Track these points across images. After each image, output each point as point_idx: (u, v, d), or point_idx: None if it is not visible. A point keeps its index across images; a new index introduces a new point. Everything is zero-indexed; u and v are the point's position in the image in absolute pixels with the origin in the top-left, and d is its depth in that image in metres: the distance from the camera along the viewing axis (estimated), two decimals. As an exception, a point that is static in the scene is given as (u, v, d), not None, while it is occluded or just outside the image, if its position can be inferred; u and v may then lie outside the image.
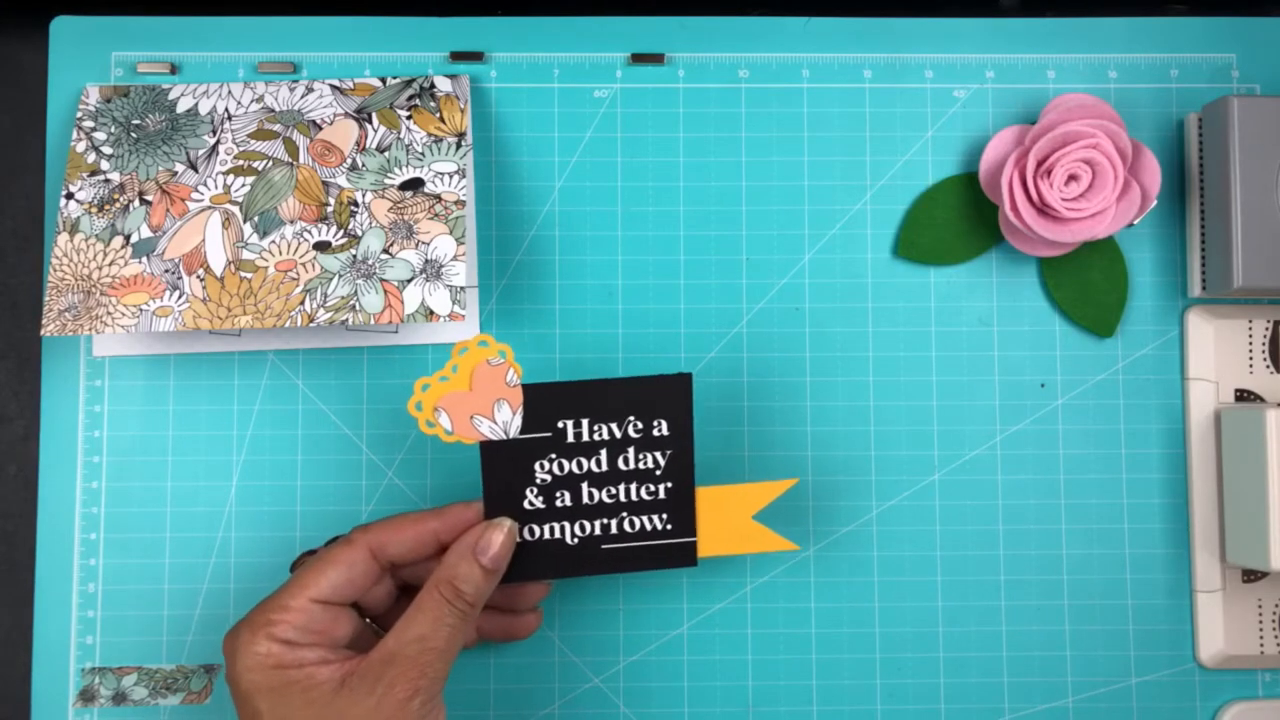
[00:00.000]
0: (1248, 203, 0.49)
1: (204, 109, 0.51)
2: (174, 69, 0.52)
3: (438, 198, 0.49)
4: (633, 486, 0.46)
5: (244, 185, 0.50)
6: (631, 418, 0.46)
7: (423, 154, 0.50)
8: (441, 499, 0.51)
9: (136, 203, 0.49)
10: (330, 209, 0.49)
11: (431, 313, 0.47)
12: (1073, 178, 0.49)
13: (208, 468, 0.51)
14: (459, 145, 0.50)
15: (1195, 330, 0.52)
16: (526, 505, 0.46)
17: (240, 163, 0.50)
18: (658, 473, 0.46)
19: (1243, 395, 0.52)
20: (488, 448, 0.45)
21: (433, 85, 0.52)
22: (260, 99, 0.51)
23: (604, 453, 0.46)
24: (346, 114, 0.51)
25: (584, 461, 0.46)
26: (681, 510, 0.46)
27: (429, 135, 0.50)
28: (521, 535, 0.46)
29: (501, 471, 0.45)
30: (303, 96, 0.51)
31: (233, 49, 0.52)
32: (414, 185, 0.49)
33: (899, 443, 0.52)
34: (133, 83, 0.52)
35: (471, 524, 0.45)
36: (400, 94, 0.51)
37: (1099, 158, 0.49)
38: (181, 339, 0.51)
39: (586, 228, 0.52)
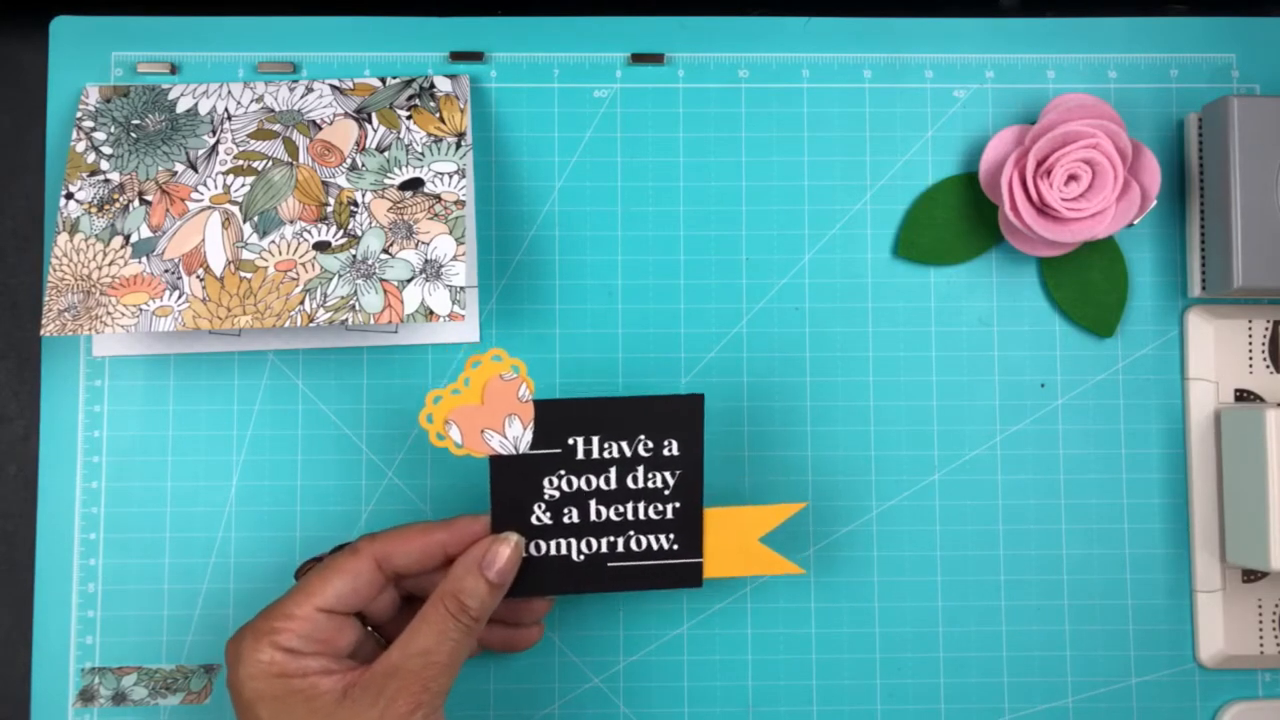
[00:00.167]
0: (1248, 203, 0.49)
1: (204, 109, 0.51)
2: (174, 69, 0.52)
3: (438, 198, 0.49)
4: (641, 505, 0.46)
5: (244, 185, 0.50)
6: (642, 436, 0.46)
7: (422, 154, 0.50)
8: (441, 499, 0.51)
9: (136, 203, 0.49)
10: (330, 209, 0.49)
11: (431, 313, 0.47)
12: (1073, 178, 0.49)
13: (208, 468, 0.51)
14: (459, 145, 0.50)
15: (1195, 330, 0.52)
16: (534, 520, 0.46)
17: (240, 163, 0.50)
18: (666, 492, 0.46)
19: (1243, 395, 0.52)
20: (497, 462, 0.45)
21: (432, 85, 0.52)
22: (260, 99, 0.51)
23: (613, 470, 0.46)
24: (346, 114, 0.51)
25: (593, 479, 0.46)
26: (689, 530, 0.46)
27: (429, 135, 0.50)
28: (528, 550, 0.46)
29: (510, 486, 0.45)
30: (303, 96, 0.51)
31: (233, 49, 0.52)
32: (414, 185, 0.49)
33: (899, 443, 0.52)
34: (133, 83, 0.52)
35: (479, 537, 0.45)
36: (400, 94, 0.51)
37: (1099, 158, 0.49)
38: (181, 339, 0.51)
39: (586, 228, 0.52)
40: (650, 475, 0.46)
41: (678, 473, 0.46)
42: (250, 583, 0.51)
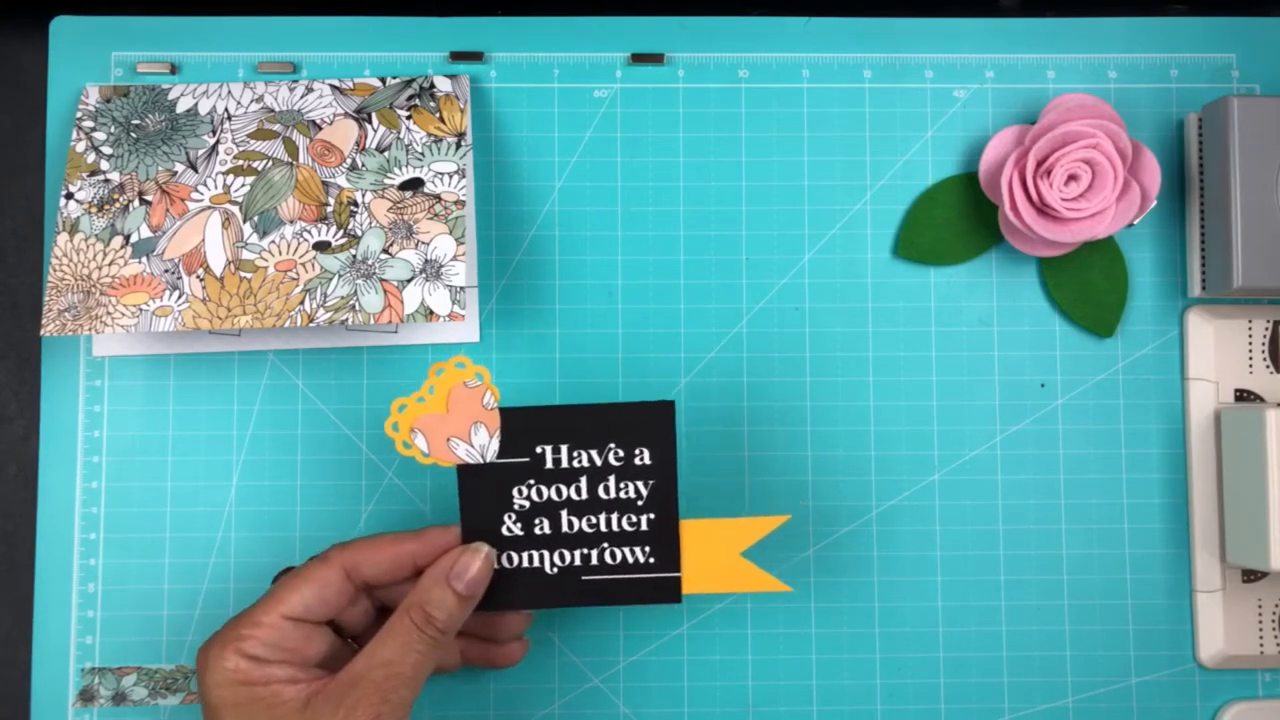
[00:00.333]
0: (1248, 203, 0.49)
1: (204, 109, 0.51)
2: (174, 69, 0.52)
3: (437, 198, 0.49)
4: (614, 516, 0.45)
5: (244, 185, 0.50)
6: (612, 445, 0.44)
7: (422, 154, 0.50)
8: (440, 500, 0.51)
9: (136, 203, 0.49)
10: (330, 209, 0.49)
11: (431, 313, 0.47)
12: (1073, 178, 0.49)
13: (208, 468, 0.51)
14: (459, 145, 0.50)
15: (1195, 330, 0.52)
16: (504, 531, 0.45)
17: (240, 163, 0.50)
18: (639, 503, 0.45)
19: (1243, 395, 0.52)
20: (465, 471, 0.44)
21: (432, 85, 0.52)
22: (260, 99, 0.51)
23: (584, 480, 0.45)
24: (346, 114, 0.51)
25: (563, 488, 0.45)
26: (664, 544, 0.45)
27: (429, 135, 0.50)
28: (500, 562, 0.45)
29: (479, 496, 0.45)
30: (303, 96, 0.51)
31: (233, 49, 0.52)
32: (414, 185, 0.49)
33: (899, 443, 0.52)
34: (133, 83, 0.52)
35: (449, 548, 0.44)
36: (400, 94, 0.51)
37: (1099, 158, 0.49)
38: (181, 339, 0.51)
39: (586, 228, 0.52)
40: (622, 485, 0.45)
41: (650, 483, 0.45)
42: (250, 583, 0.51)
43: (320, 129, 0.51)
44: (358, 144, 0.50)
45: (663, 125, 0.53)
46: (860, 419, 0.52)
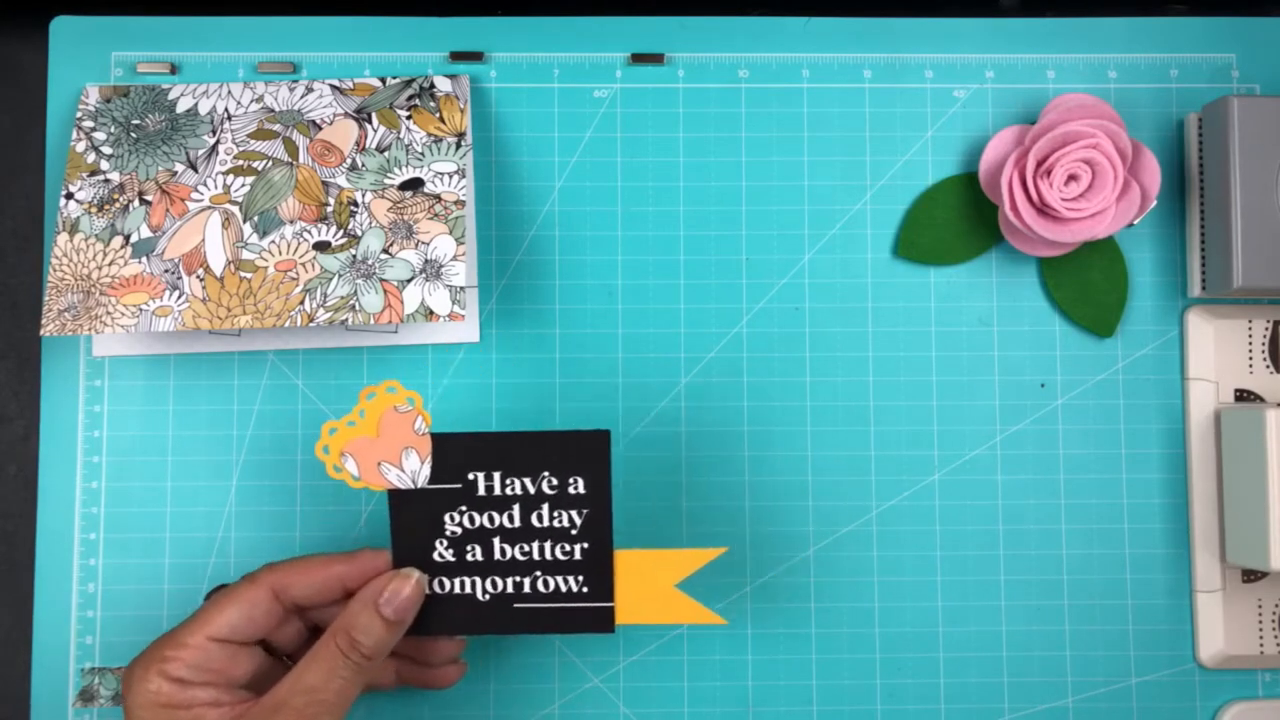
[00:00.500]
0: (1248, 203, 0.49)
1: (204, 109, 0.51)
2: (174, 69, 0.52)
3: (437, 198, 0.49)
4: (547, 545, 0.44)
5: (244, 185, 0.50)
6: (546, 473, 0.44)
7: (422, 154, 0.50)
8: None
9: (136, 203, 0.49)
10: (330, 209, 0.49)
11: (431, 313, 0.47)
12: (1073, 178, 0.49)
13: (208, 468, 0.51)
14: (459, 145, 0.50)
15: (1195, 330, 0.52)
16: (436, 557, 0.44)
17: (240, 163, 0.50)
18: (573, 532, 0.44)
19: (1243, 395, 0.52)
20: (396, 496, 0.44)
21: (432, 85, 0.52)
22: (260, 99, 0.51)
23: (517, 508, 0.44)
24: (346, 114, 0.51)
25: (495, 516, 0.44)
26: (598, 573, 0.44)
27: (429, 135, 0.50)
28: (431, 588, 0.44)
29: (410, 521, 0.44)
30: (303, 96, 0.51)
31: (233, 49, 0.52)
32: (414, 185, 0.49)
33: (899, 443, 0.52)
34: (133, 83, 0.52)
35: (380, 572, 0.44)
36: (400, 94, 0.51)
37: (1099, 158, 0.49)
38: (181, 339, 0.51)
39: (586, 228, 0.52)
40: (556, 514, 0.44)
41: (585, 512, 0.44)
42: (250, 583, 0.51)
43: (320, 129, 0.51)
44: (358, 144, 0.50)
45: (663, 125, 0.53)
46: (860, 419, 0.52)
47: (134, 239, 0.49)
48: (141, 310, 0.47)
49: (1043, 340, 0.53)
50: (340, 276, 0.48)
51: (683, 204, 0.53)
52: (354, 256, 0.48)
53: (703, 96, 0.53)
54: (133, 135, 0.50)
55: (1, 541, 0.51)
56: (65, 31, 0.52)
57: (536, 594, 0.45)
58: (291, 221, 0.49)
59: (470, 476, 0.44)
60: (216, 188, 0.50)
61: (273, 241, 0.49)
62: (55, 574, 0.51)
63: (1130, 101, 0.53)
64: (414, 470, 0.44)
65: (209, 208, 0.49)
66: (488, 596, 0.45)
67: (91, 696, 0.50)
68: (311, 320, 0.47)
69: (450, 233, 0.48)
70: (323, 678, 0.41)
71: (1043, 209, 0.50)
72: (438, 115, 0.51)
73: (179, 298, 0.47)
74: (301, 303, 0.47)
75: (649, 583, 0.45)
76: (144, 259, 0.48)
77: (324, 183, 0.50)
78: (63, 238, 0.49)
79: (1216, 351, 0.52)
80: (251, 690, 0.43)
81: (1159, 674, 0.52)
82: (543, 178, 0.52)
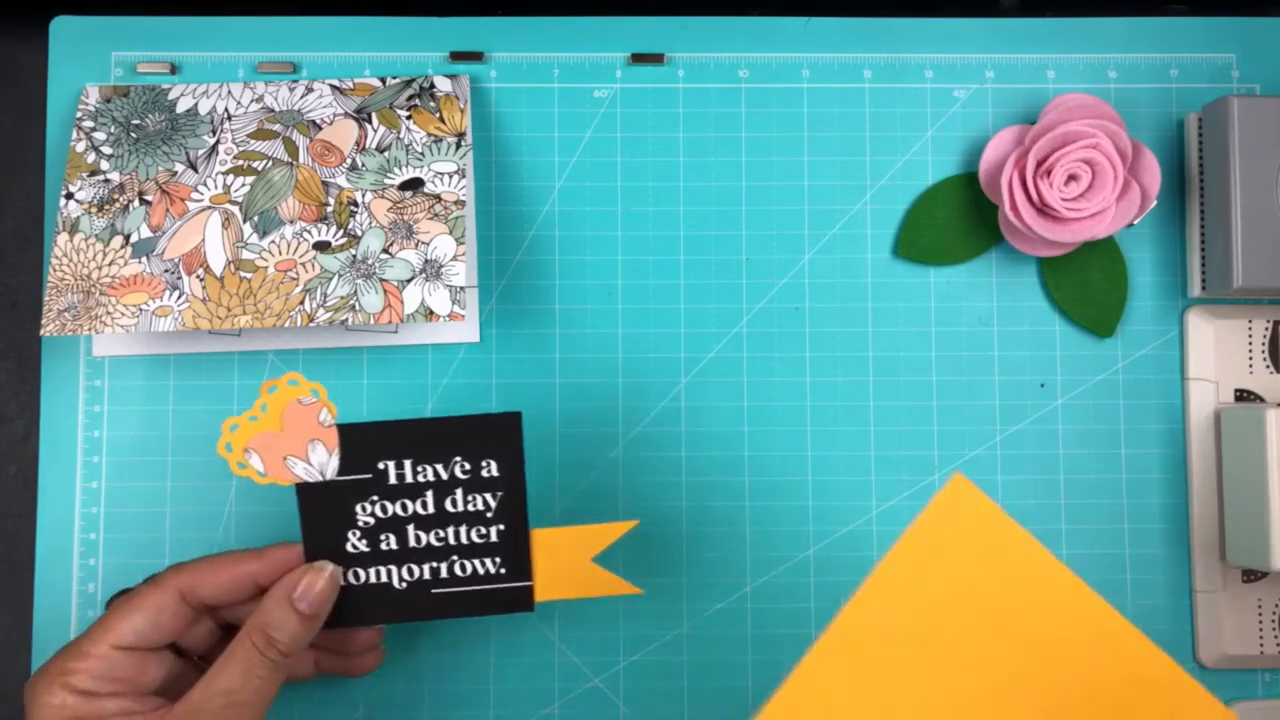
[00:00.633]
0: (1248, 203, 0.49)
1: (204, 109, 0.51)
2: (174, 69, 0.52)
3: (437, 198, 0.49)
4: (463, 529, 0.44)
5: (244, 185, 0.50)
6: (458, 458, 0.44)
7: (422, 154, 0.50)
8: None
9: (136, 203, 0.49)
10: (330, 209, 0.49)
11: (431, 313, 0.47)
12: (1073, 178, 0.49)
13: (208, 468, 0.51)
14: (459, 145, 0.50)
15: (1195, 330, 0.52)
16: (350, 548, 0.44)
17: (240, 163, 0.50)
18: (489, 515, 0.44)
19: (1243, 395, 0.52)
20: (304, 490, 0.44)
21: (432, 85, 0.52)
22: (260, 99, 0.51)
23: (430, 494, 0.44)
24: (346, 114, 0.51)
25: (409, 503, 0.44)
26: (515, 553, 0.45)
27: (429, 135, 0.50)
28: (346, 579, 0.44)
29: (321, 514, 0.44)
30: (302, 96, 0.51)
31: (233, 49, 0.52)
32: (414, 185, 0.49)
33: (899, 443, 0.52)
34: (133, 83, 0.52)
35: (292, 567, 0.43)
36: (400, 94, 0.51)
37: (1099, 158, 0.49)
38: (181, 339, 0.51)
39: (586, 228, 0.52)
40: (470, 498, 0.44)
41: (499, 494, 0.44)
42: (250, 583, 0.51)
43: (320, 129, 0.51)
44: (358, 144, 0.50)
45: (663, 125, 0.53)
46: (860, 419, 0.52)
47: (134, 239, 0.49)
48: (141, 310, 0.47)
49: (1043, 340, 0.53)
50: (340, 276, 0.48)
51: (683, 204, 0.53)
52: (354, 256, 0.48)
53: (703, 96, 0.53)
54: (133, 135, 0.50)
55: (1, 541, 0.51)
56: (65, 31, 0.52)
57: (454, 578, 0.45)
58: (291, 221, 0.49)
59: (380, 466, 0.44)
60: (216, 188, 0.50)
61: (273, 241, 0.49)
62: (55, 574, 0.51)
63: (1130, 101, 0.53)
64: (321, 463, 0.44)
65: (209, 208, 0.49)
66: (405, 584, 0.44)
67: (91, 696, 0.50)
68: (311, 320, 0.47)
69: (450, 233, 0.48)
70: (239, 678, 0.40)
71: (1043, 209, 0.50)
72: (438, 115, 0.51)
73: (179, 298, 0.47)
74: (301, 303, 0.47)
75: (566, 559, 0.45)
76: (144, 259, 0.48)
77: (324, 183, 0.50)
78: (63, 238, 0.49)
79: (1216, 351, 0.52)
80: (164, 696, 0.41)
81: (1159, 674, 0.52)
82: (543, 178, 0.52)
